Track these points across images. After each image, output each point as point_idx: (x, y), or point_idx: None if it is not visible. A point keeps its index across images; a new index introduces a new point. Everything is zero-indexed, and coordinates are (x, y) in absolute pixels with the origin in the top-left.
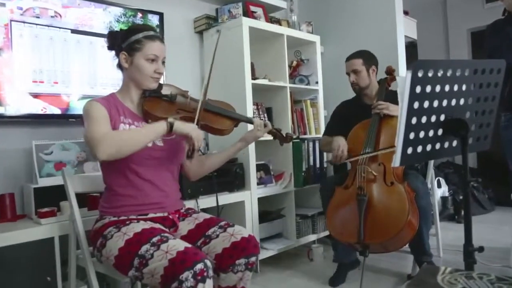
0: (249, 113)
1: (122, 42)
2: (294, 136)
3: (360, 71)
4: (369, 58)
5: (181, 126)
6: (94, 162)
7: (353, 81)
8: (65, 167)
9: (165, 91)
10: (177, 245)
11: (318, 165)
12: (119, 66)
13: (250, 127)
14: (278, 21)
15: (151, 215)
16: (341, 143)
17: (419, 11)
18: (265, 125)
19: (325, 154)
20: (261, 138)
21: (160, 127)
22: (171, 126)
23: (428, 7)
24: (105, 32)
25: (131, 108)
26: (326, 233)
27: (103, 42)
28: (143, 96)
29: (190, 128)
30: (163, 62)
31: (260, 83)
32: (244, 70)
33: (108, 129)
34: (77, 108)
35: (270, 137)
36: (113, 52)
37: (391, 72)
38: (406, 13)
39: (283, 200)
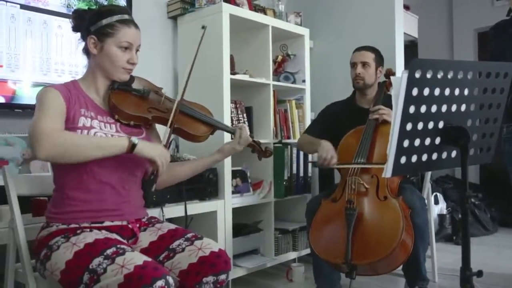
0: (226, 113)
1: (91, 24)
2: (276, 141)
3: (370, 65)
4: (380, 57)
5: (145, 148)
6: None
7: (358, 73)
8: (7, 165)
9: (136, 85)
10: (135, 258)
11: (301, 173)
12: (86, 51)
13: (227, 135)
14: (263, 10)
15: (107, 223)
16: (329, 148)
17: (421, 6)
18: (246, 139)
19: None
20: None
21: (120, 144)
22: (133, 146)
23: (432, 3)
24: (62, 10)
25: (95, 100)
26: (308, 251)
27: (60, 22)
28: (111, 87)
29: (156, 152)
30: (137, 51)
31: (240, 79)
32: (222, 63)
33: (59, 126)
34: (26, 97)
35: None
36: (78, 34)
37: (391, 76)
38: (406, 8)
39: (261, 212)
